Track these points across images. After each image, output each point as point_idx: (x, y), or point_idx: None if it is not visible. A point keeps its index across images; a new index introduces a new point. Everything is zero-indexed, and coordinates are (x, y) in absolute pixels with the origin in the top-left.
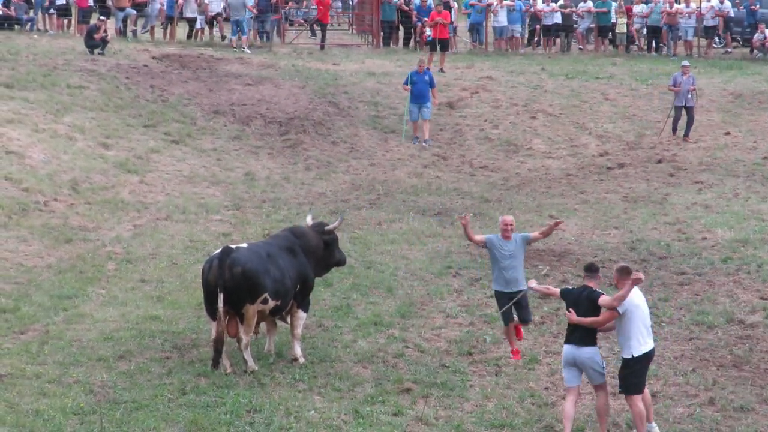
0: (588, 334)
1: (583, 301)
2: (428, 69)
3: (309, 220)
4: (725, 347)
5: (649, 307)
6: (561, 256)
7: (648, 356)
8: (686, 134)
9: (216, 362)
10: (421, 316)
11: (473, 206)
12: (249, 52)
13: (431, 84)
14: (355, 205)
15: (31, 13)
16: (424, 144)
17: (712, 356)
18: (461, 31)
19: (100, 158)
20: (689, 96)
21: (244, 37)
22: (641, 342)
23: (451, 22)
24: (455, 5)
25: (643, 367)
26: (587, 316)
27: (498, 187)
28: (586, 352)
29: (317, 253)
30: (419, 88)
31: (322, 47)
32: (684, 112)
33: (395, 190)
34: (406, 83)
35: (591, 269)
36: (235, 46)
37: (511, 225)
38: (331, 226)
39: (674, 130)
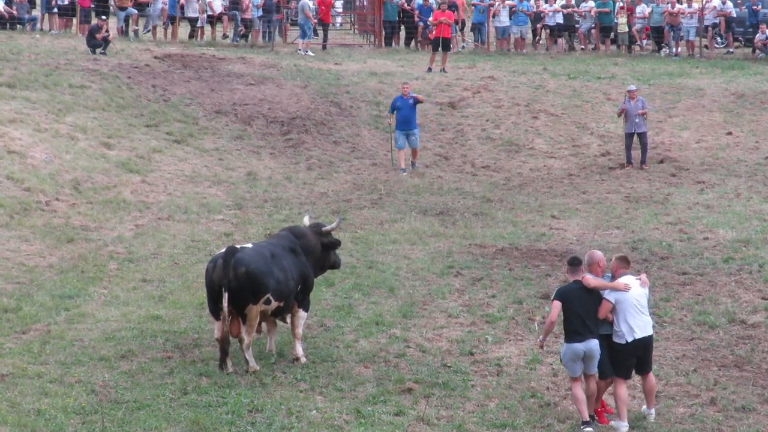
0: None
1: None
2: (412, 92)
3: (306, 221)
4: (727, 347)
5: (651, 308)
6: (563, 256)
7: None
8: (642, 162)
9: (223, 362)
10: (422, 316)
11: (475, 206)
12: (312, 55)
13: (416, 102)
14: (357, 204)
15: (33, 13)
16: (412, 168)
17: (713, 356)
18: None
19: (102, 158)
20: (637, 121)
21: (306, 40)
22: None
23: (456, 22)
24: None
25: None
26: (595, 305)
27: (500, 187)
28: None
29: (315, 253)
30: (404, 114)
31: (324, 47)
32: (637, 138)
33: (397, 190)
34: (391, 111)
35: (573, 263)
36: (300, 48)
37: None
38: (328, 227)
39: (628, 159)
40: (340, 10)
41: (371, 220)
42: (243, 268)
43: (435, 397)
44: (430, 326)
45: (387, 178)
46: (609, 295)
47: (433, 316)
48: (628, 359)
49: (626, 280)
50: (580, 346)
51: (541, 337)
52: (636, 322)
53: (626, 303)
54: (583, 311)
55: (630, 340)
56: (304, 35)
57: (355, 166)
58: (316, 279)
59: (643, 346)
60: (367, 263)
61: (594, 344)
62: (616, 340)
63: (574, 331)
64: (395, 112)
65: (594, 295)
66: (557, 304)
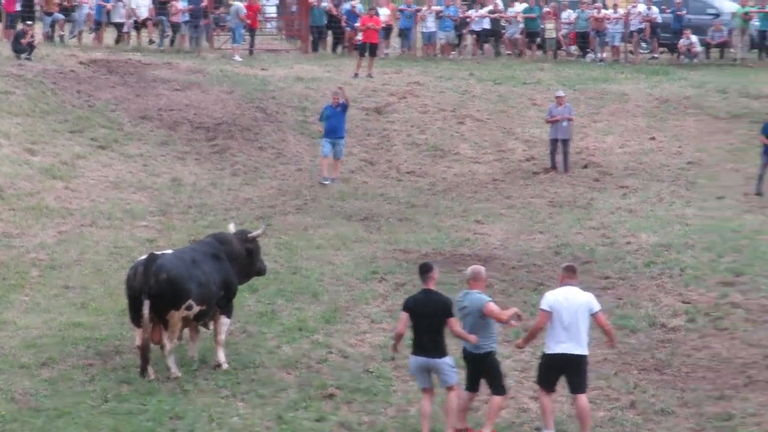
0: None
1: (431, 305)
2: (343, 101)
3: (231, 228)
4: (647, 351)
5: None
6: (486, 261)
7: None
8: (565, 169)
9: (144, 370)
10: (345, 322)
11: (399, 211)
12: (240, 60)
13: (344, 109)
14: (282, 210)
15: None
16: (331, 183)
17: (634, 360)
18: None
19: (26, 164)
20: (564, 125)
21: (235, 45)
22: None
23: (383, 27)
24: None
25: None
26: (440, 320)
27: (425, 192)
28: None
29: (240, 259)
30: (332, 123)
31: (251, 52)
32: (560, 145)
33: (322, 196)
34: (321, 119)
35: (422, 270)
36: (235, 54)
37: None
38: (254, 234)
39: (553, 164)
40: (274, 15)
41: (296, 226)
42: (164, 275)
43: (357, 402)
44: (353, 332)
45: (312, 184)
46: (544, 305)
47: (356, 321)
48: (546, 371)
49: (567, 291)
50: (421, 360)
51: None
52: (557, 337)
53: (556, 315)
54: (424, 324)
55: (546, 352)
56: (235, 40)
57: (280, 172)
58: (242, 286)
59: (562, 363)
60: (291, 269)
61: (436, 361)
62: (543, 349)
63: (417, 345)
64: (324, 120)
65: (438, 309)
66: (404, 315)
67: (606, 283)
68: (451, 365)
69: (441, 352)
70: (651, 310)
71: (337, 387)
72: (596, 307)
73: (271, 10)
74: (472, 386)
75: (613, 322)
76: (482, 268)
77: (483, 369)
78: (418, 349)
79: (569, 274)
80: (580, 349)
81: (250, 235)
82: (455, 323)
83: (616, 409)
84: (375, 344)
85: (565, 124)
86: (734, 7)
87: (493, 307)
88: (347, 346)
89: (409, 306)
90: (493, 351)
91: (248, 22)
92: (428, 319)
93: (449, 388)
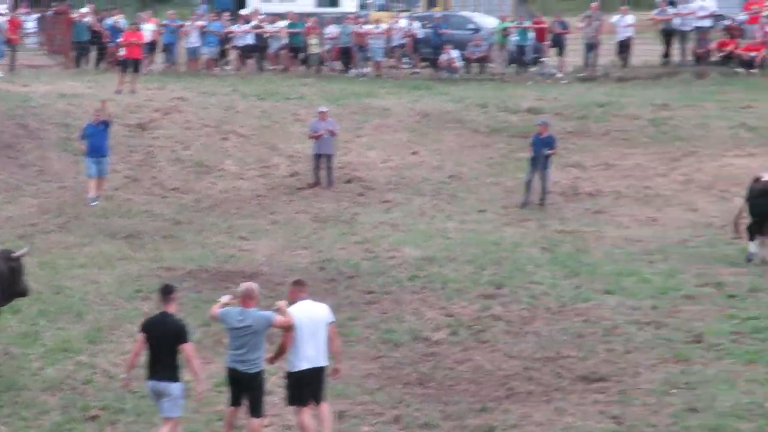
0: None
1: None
2: (105, 118)
3: None
4: (411, 365)
5: (338, 327)
6: (251, 277)
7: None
8: (329, 183)
9: None
10: (110, 341)
11: (164, 228)
12: (1, 76)
13: (107, 127)
14: (44, 229)
15: None
16: (93, 204)
17: (398, 374)
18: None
19: None
20: (326, 137)
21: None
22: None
23: (147, 42)
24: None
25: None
26: (173, 344)
27: (189, 208)
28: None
29: (2, 280)
30: (94, 142)
31: (12, 68)
32: (325, 160)
33: (85, 214)
34: (82, 138)
35: (164, 291)
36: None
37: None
38: (17, 253)
39: (316, 179)
40: (35, 30)
41: (58, 244)
42: None
43: (121, 423)
44: (117, 351)
45: (75, 202)
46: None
47: (120, 340)
48: (296, 388)
49: (303, 305)
50: (151, 384)
51: (124, 375)
52: (302, 353)
53: (299, 332)
54: (157, 347)
55: (293, 370)
56: None
57: (42, 190)
58: (3, 307)
59: (310, 377)
60: (53, 288)
61: (165, 385)
62: (288, 368)
63: (149, 367)
64: (86, 139)
65: (172, 333)
66: (140, 336)
67: (370, 297)
68: (179, 395)
69: (171, 376)
70: (414, 324)
71: (102, 408)
72: (332, 318)
73: (32, 26)
74: (236, 401)
75: (377, 336)
76: (255, 285)
77: (251, 388)
78: (151, 371)
79: (301, 288)
80: (324, 360)
81: (13, 254)
82: (190, 348)
83: (379, 424)
84: (140, 364)
85: (326, 136)
86: (494, 22)
87: (280, 318)
88: (112, 366)
89: (146, 327)
90: (264, 370)
91: (10, 37)
92: (162, 342)
93: (167, 419)
